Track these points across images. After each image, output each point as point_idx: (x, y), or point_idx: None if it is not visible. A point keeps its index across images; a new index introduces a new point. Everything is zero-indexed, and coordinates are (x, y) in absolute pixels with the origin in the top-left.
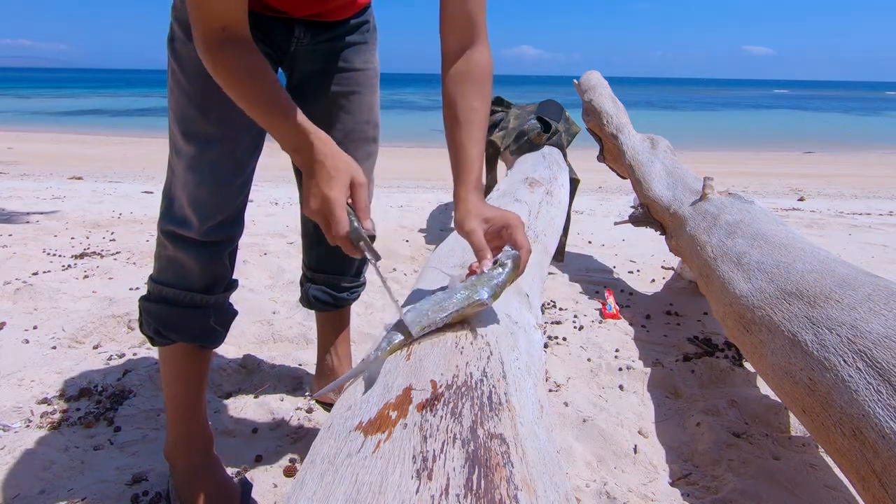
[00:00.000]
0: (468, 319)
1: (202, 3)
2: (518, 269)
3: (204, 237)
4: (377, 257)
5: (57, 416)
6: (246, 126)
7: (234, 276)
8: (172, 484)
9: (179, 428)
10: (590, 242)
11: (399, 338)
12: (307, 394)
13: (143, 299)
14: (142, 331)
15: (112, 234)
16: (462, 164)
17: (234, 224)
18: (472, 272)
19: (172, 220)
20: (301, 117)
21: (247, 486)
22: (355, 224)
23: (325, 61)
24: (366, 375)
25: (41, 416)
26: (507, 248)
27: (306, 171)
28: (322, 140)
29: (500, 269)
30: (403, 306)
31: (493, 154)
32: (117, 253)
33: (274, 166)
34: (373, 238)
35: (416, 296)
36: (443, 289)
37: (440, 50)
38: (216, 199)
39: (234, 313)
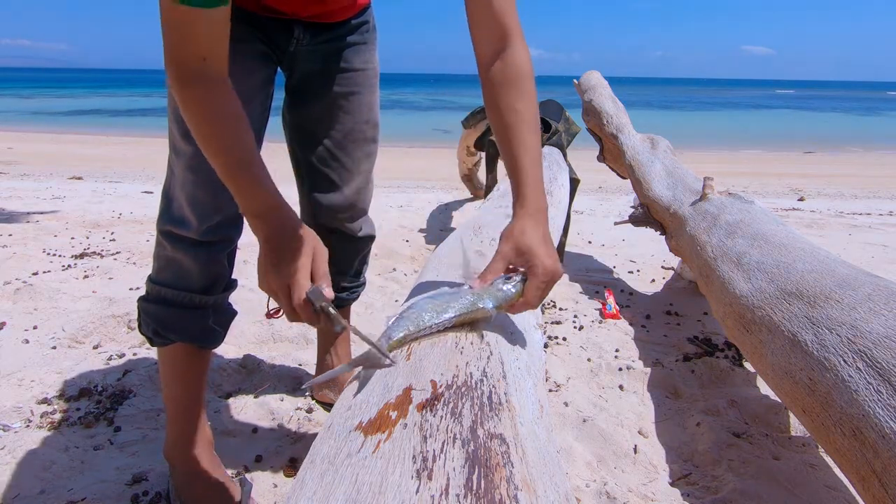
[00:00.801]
0: (474, 324)
1: (185, 27)
2: (520, 296)
3: (202, 237)
4: (340, 325)
5: (57, 416)
6: None
7: (233, 276)
8: (172, 484)
9: (179, 428)
10: (590, 242)
11: (399, 335)
12: (307, 394)
13: (141, 300)
14: (140, 331)
15: (112, 234)
16: (516, 174)
17: (232, 225)
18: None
19: (171, 220)
20: (270, 181)
21: (246, 486)
22: (317, 289)
23: (325, 62)
24: (362, 372)
25: (41, 416)
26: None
27: (265, 238)
28: (288, 209)
29: (510, 286)
30: (407, 300)
31: (493, 154)
32: (117, 253)
33: (272, 167)
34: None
35: (420, 290)
36: (450, 285)
37: (475, 56)
38: (215, 199)
39: (234, 313)
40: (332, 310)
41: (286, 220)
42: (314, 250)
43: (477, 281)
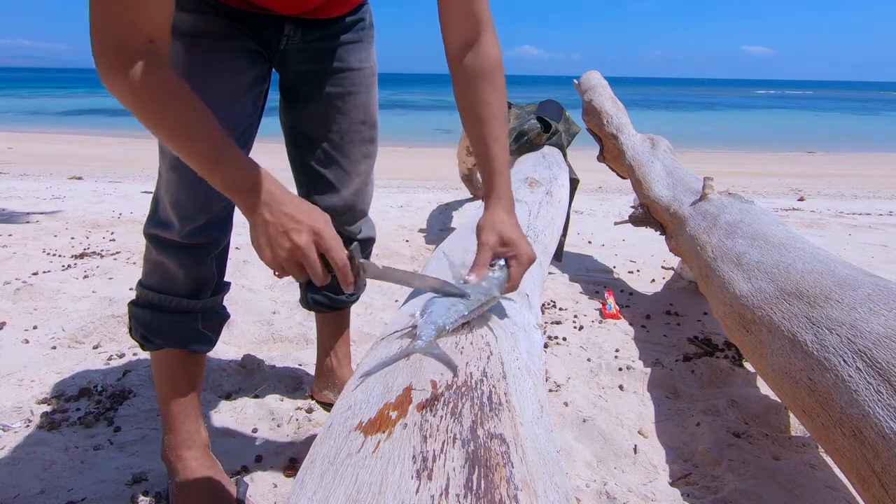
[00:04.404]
0: (480, 318)
1: (129, 7)
2: (506, 281)
3: (185, 239)
4: (392, 277)
5: (57, 416)
6: (231, 126)
7: (225, 279)
8: (170, 485)
9: (174, 430)
10: (590, 242)
11: (440, 323)
12: (308, 393)
13: (131, 304)
14: (131, 335)
15: (112, 234)
16: (488, 166)
17: (217, 227)
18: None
19: (156, 223)
20: (247, 156)
21: (242, 487)
22: (357, 245)
23: (319, 61)
24: (441, 359)
25: (41, 416)
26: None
27: (260, 211)
28: (276, 179)
29: (502, 274)
30: (406, 301)
31: None
32: (117, 253)
33: (273, 167)
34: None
35: (418, 292)
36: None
37: (444, 47)
38: (195, 200)
39: (226, 317)
40: (378, 265)
41: (277, 189)
42: (323, 214)
43: (473, 275)
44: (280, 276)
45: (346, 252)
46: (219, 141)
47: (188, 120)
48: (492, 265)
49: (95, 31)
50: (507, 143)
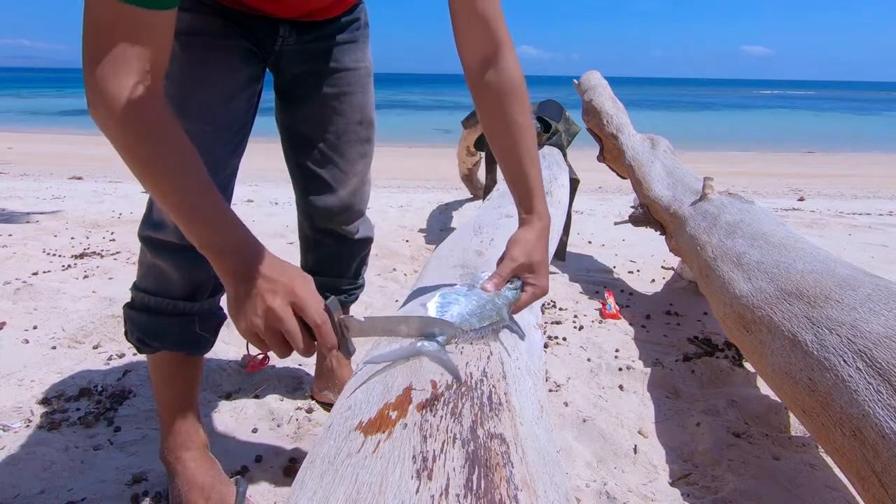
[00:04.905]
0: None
1: (127, 28)
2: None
3: (181, 241)
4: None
5: (57, 416)
6: (227, 124)
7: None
8: (169, 486)
9: (172, 431)
10: (590, 242)
11: (450, 333)
12: (308, 393)
13: (126, 307)
14: (126, 339)
15: (112, 234)
16: (524, 184)
17: None
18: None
19: (151, 225)
20: (232, 211)
21: (241, 487)
22: (335, 300)
23: (315, 62)
24: (447, 366)
25: (41, 416)
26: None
27: (241, 275)
28: (256, 239)
29: (515, 294)
30: (410, 299)
31: (493, 155)
32: (117, 253)
33: (273, 167)
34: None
35: (420, 292)
36: (461, 285)
37: (462, 65)
38: None
39: (223, 318)
40: (360, 318)
41: (260, 250)
42: (303, 273)
43: (490, 283)
44: (252, 368)
45: (323, 308)
46: (203, 193)
47: (174, 161)
48: (510, 282)
49: (88, 50)
50: (539, 160)
